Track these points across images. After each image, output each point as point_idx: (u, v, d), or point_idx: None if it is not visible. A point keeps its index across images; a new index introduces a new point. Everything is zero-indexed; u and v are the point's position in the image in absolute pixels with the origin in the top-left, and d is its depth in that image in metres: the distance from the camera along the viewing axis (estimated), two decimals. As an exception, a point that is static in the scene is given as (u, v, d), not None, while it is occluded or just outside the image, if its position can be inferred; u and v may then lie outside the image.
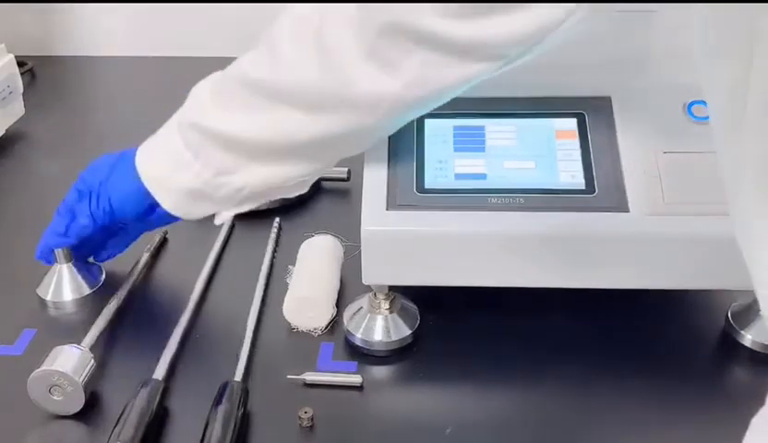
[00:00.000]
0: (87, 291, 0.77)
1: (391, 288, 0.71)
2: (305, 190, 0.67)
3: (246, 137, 0.61)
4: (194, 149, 0.63)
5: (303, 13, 0.57)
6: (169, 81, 1.28)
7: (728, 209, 0.45)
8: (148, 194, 0.67)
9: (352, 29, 0.54)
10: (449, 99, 0.59)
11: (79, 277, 0.77)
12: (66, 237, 0.72)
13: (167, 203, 0.67)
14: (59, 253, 0.75)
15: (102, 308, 0.72)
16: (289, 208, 0.91)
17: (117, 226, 0.73)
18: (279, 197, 0.67)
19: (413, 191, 0.67)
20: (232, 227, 0.88)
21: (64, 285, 0.76)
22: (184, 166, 0.64)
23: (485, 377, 0.68)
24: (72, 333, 0.69)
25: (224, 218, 0.69)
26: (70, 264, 0.77)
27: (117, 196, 0.69)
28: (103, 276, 0.79)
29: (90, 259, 0.79)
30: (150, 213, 0.69)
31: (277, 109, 0.59)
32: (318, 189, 0.95)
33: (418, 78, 0.54)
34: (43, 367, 0.62)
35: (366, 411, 0.65)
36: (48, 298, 0.76)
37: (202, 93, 0.64)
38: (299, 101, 0.58)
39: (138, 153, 0.68)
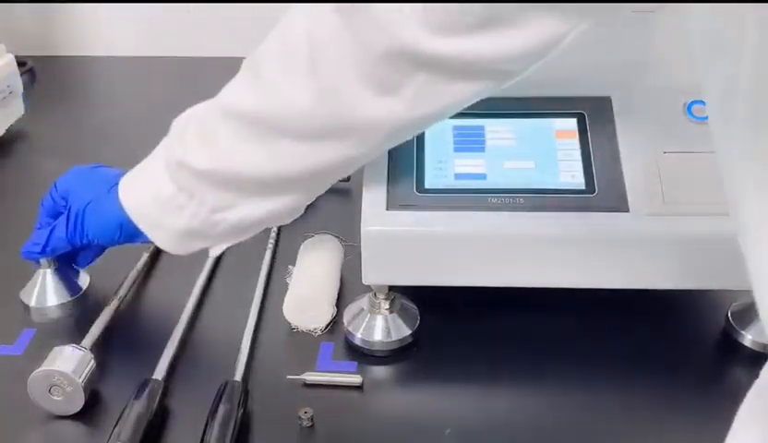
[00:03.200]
0: (72, 295, 0.76)
1: (391, 288, 0.71)
2: (299, 214, 0.65)
3: (241, 173, 0.59)
4: (187, 191, 0.61)
5: (289, 38, 0.54)
6: (170, 81, 1.29)
7: (728, 209, 0.45)
8: (134, 227, 0.64)
9: (347, 55, 0.51)
10: (451, 115, 0.57)
11: (64, 281, 0.77)
12: (42, 254, 0.71)
13: (161, 242, 0.64)
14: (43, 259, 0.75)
15: (101, 308, 0.72)
16: (289, 208, 0.91)
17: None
18: (275, 225, 0.64)
19: (413, 191, 0.67)
20: (232, 227, 0.88)
21: (48, 290, 0.76)
22: (178, 208, 0.61)
23: (485, 377, 0.68)
24: (72, 333, 0.69)
25: (220, 250, 0.66)
26: (54, 269, 0.76)
27: (98, 228, 0.67)
28: (88, 280, 0.78)
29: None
30: (133, 240, 0.67)
31: (271, 141, 0.57)
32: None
33: (420, 100, 0.52)
34: (43, 367, 0.62)
35: (366, 411, 0.65)
36: (32, 304, 0.75)
37: (186, 131, 0.61)
38: (293, 131, 0.56)
39: (124, 192, 0.64)
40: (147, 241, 0.65)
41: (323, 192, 0.63)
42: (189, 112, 0.62)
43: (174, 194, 0.61)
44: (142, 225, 0.64)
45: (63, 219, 0.69)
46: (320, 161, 0.57)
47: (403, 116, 0.53)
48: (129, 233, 0.66)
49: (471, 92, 0.53)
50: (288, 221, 0.65)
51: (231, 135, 0.58)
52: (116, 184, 0.65)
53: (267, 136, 0.57)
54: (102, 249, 0.73)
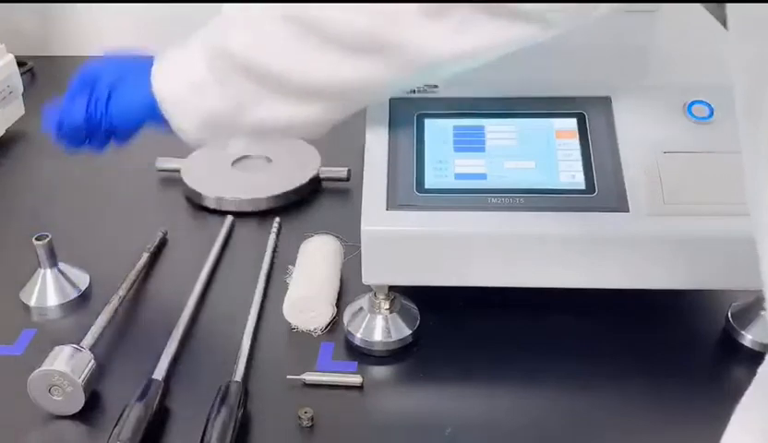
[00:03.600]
0: (71, 295, 0.77)
1: (391, 288, 0.71)
2: (320, 133, 0.63)
3: (278, 72, 0.58)
4: (219, 76, 0.60)
5: None
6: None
7: (732, 209, 0.45)
8: (159, 112, 0.64)
9: None
10: (483, 62, 0.58)
11: (64, 281, 0.77)
12: (59, 129, 0.68)
13: (183, 127, 0.64)
14: (43, 257, 0.76)
15: (101, 308, 0.72)
16: (289, 208, 0.91)
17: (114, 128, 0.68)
18: (297, 137, 0.64)
19: (413, 191, 0.67)
20: (231, 227, 0.88)
21: (48, 290, 0.76)
22: (206, 92, 0.61)
23: (484, 377, 0.68)
24: (72, 333, 0.69)
25: (236, 149, 0.66)
26: (54, 269, 0.77)
27: (123, 109, 0.66)
28: (88, 280, 0.79)
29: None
30: (154, 125, 0.66)
31: (317, 47, 0.56)
32: (317, 189, 0.95)
33: (462, 30, 0.53)
34: (43, 367, 0.62)
35: (366, 411, 0.65)
36: (32, 304, 0.76)
37: (236, 17, 0.60)
38: (339, 40, 0.56)
39: (156, 70, 0.64)
40: (169, 129, 0.64)
41: (350, 112, 0.63)
42: (237, 5, 0.61)
43: (205, 79, 0.61)
44: (167, 107, 0.63)
45: (86, 95, 0.66)
46: (358, 77, 0.57)
47: (446, 45, 0.55)
48: (154, 118, 0.64)
49: (510, 36, 0.54)
50: (307, 135, 0.65)
51: (276, 29, 0.57)
52: (149, 66, 0.64)
53: (311, 38, 0.56)
54: (127, 134, 0.69)
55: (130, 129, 0.67)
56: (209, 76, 0.61)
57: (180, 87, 0.63)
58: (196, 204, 0.92)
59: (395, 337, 0.70)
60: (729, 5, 0.43)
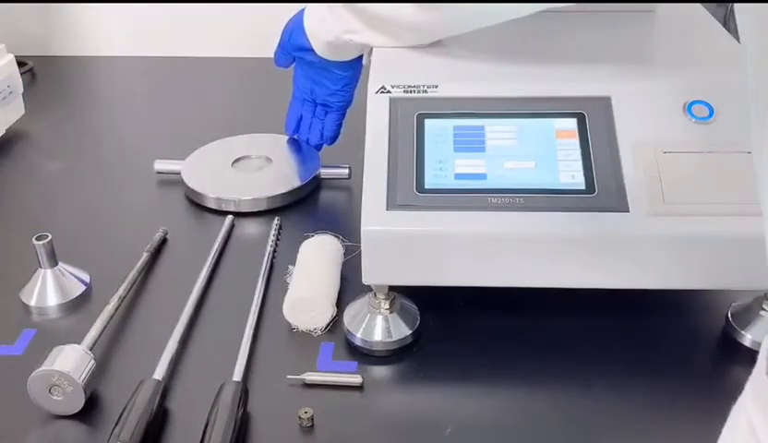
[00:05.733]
0: (71, 295, 0.77)
1: (391, 288, 0.71)
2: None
3: (373, 12, 0.78)
4: (336, 13, 0.81)
5: None
6: (169, 81, 1.28)
7: (760, 203, 0.43)
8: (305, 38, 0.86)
9: None
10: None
11: (64, 281, 0.77)
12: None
13: (316, 48, 0.85)
14: (43, 257, 0.76)
15: (101, 308, 0.72)
16: (289, 208, 0.91)
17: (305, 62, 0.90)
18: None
19: (413, 191, 0.67)
20: (231, 227, 0.88)
21: (48, 290, 0.76)
22: (324, 22, 0.83)
23: (485, 377, 0.68)
24: (72, 333, 0.69)
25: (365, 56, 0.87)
26: (54, 269, 0.77)
27: (290, 33, 0.88)
28: (88, 280, 0.79)
29: None
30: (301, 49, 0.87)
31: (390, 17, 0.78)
32: (317, 189, 0.95)
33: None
34: (43, 367, 0.62)
35: (366, 411, 0.65)
36: (32, 304, 0.76)
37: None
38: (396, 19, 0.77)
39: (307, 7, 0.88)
40: (313, 56, 0.87)
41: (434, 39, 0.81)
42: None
43: (324, 10, 0.83)
44: (307, 33, 0.86)
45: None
46: (436, 27, 0.79)
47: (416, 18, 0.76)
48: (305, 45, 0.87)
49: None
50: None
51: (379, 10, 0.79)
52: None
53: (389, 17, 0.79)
54: (338, 113, 0.94)
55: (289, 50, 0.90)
56: (326, 10, 0.83)
57: (312, 18, 0.85)
58: (196, 204, 0.92)
59: (395, 337, 0.70)
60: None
